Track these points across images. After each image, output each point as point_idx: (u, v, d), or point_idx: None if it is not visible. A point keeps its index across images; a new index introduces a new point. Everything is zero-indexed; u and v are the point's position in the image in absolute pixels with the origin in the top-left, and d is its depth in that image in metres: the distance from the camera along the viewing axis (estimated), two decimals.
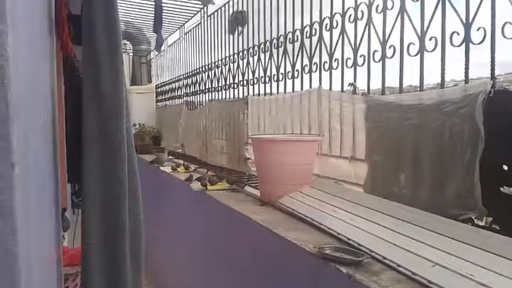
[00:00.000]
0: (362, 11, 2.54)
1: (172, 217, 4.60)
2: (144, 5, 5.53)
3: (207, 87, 5.40)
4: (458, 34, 1.92)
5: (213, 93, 5.19)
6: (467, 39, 1.89)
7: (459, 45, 1.91)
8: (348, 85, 2.69)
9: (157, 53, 6.62)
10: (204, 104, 5.48)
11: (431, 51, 2.05)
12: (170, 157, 5.80)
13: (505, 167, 1.72)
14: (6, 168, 0.67)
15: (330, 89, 2.89)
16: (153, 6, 5.36)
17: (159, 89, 7.98)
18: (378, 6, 2.41)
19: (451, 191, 1.91)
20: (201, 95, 5.66)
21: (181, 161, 5.19)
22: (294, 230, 2.15)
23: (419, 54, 2.13)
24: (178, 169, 4.63)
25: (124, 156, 1.53)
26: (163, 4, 4.21)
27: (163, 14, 4.39)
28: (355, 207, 2.14)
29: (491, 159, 1.75)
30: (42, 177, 1.12)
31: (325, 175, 2.87)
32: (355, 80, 2.64)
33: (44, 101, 1.28)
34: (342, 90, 2.76)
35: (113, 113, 1.49)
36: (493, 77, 1.77)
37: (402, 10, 2.24)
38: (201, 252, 3.67)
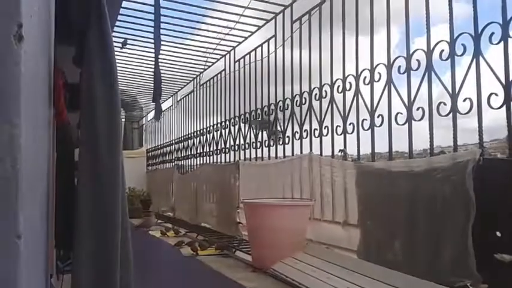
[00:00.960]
0: (350, 83, 2.66)
1: (163, 282, 4.46)
2: (138, 74, 5.72)
3: (198, 151, 5.46)
4: (445, 104, 2.02)
5: (205, 157, 5.25)
6: (454, 110, 1.98)
7: (446, 115, 2.00)
8: (339, 151, 2.76)
9: (155, 121, 6.74)
10: (195, 168, 5.51)
11: (419, 120, 2.14)
12: (159, 221, 5.73)
13: (498, 234, 1.74)
14: (12, 242, 0.69)
15: (321, 154, 2.96)
16: (149, 76, 5.55)
17: (150, 153, 8.03)
18: (365, 78, 2.53)
19: (445, 258, 1.92)
20: (192, 159, 5.71)
21: (170, 225, 5.12)
22: None
23: (407, 123, 2.21)
24: (168, 233, 4.57)
25: (118, 224, 1.52)
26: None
27: None
28: (350, 274, 2.13)
29: (484, 226, 1.77)
30: (36, 244, 1.11)
31: (318, 240, 2.86)
32: (345, 147, 2.71)
33: (42, 171, 1.29)
34: (333, 156, 2.83)
35: (108, 179, 1.50)
36: (481, 145, 1.84)
37: (389, 82, 2.36)
38: None
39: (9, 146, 0.73)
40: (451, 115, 2.03)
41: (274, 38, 3.74)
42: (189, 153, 5.81)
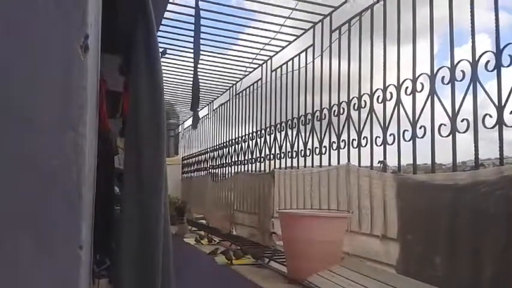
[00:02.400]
0: (391, 93, 2.61)
1: None
2: (176, 83, 5.82)
3: (233, 160, 5.48)
4: (490, 116, 1.95)
5: (239, 166, 5.26)
6: (500, 121, 1.91)
7: (492, 127, 1.94)
8: (378, 162, 2.71)
9: (193, 129, 6.84)
10: (229, 176, 5.54)
11: (464, 132, 2.08)
12: (193, 228, 5.78)
13: None
14: (75, 252, 0.71)
15: (359, 165, 2.91)
16: (186, 85, 5.64)
17: (185, 161, 8.14)
18: (407, 88, 2.48)
19: (487, 274, 1.85)
20: (227, 167, 5.74)
21: (204, 233, 5.15)
22: None
23: (451, 135, 2.15)
24: (202, 241, 4.59)
25: (161, 229, 1.54)
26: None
27: None
28: None
29: None
30: (87, 251, 1.14)
31: (355, 253, 2.81)
32: (385, 158, 2.66)
33: (91, 179, 1.33)
34: (372, 167, 2.78)
35: (153, 188, 1.52)
36: None
37: (432, 92, 2.30)
38: None
39: (75, 155, 0.75)
40: (495, 127, 1.96)
41: (312, 48, 3.73)
42: (224, 161, 5.84)
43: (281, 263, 3.08)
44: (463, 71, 2.17)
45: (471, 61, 2.12)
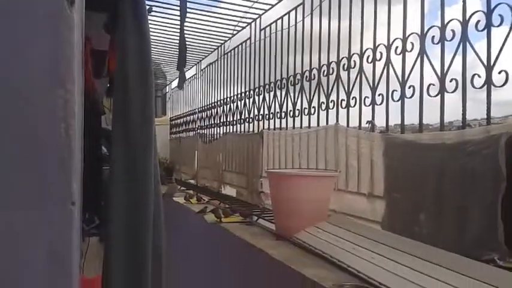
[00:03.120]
0: (381, 52, 2.60)
1: (186, 248, 4.57)
2: (163, 42, 5.70)
3: (221, 120, 5.47)
4: (479, 76, 1.96)
5: (228, 127, 5.26)
6: (488, 82, 1.93)
7: (481, 87, 1.95)
8: (366, 123, 2.73)
9: (179, 89, 6.76)
10: (218, 137, 5.54)
11: (452, 92, 2.09)
12: (182, 188, 5.83)
13: None
14: (68, 209, 0.71)
15: (347, 126, 2.93)
16: (173, 44, 5.53)
17: (173, 122, 8.09)
18: (397, 47, 2.47)
19: (473, 231, 1.91)
20: (215, 128, 5.73)
21: (193, 192, 5.20)
22: (312, 267, 2.14)
23: (439, 95, 2.17)
24: (191, 200, 4.64)
25: (151, 192, 1.55)
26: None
27: None
28: (375, 245, 2.13)
29: None
30: (78, 209, 1.14)
31: (342, 211, 2.87)
32: (373, 118, 2.68)
33: (79, 138, 1.32)
34: (360, 128, 2.80)
35: (142, 148, 1.52)
36: None
37: (422, 52, 2.29)
38: (214, 284, 3.63)
39: (63, 112, 0.75)
40: (483, 87, 1.98)
41: (302, 6, 3.66)
42: (213, 122, 5.83)
43: (269, 220, 3.14)
44: (453, 31, 2.16)
45: (461, 20, 2.11)
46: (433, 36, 2.25)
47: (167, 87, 8.99)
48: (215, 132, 5.76)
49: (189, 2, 4.27)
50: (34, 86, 0.75)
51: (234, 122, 5.05)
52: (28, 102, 0.75)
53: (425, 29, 2.32)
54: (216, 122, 5.70)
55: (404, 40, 2.44)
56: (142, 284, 1.57)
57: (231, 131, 5.13)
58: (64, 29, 0.75)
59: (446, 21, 2.20)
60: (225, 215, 3.51)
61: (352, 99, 2.88)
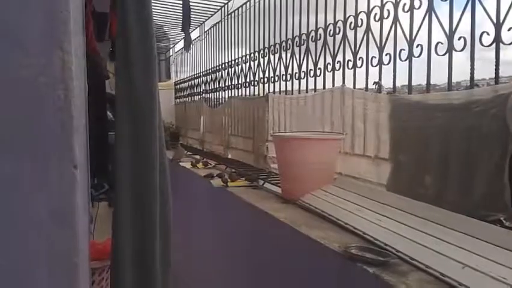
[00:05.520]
0: (388, 10, 2.52)
1: (193, 213, 4.63)
2: (166, 3, 5.58)
3: (226, 84, 5.42)
4: (488, 34, 1.90)
5: (233, 90, 5.21)
6: (497, 39, 1.87)
7: (489, 45, 1.89)
8: (373, 84, 2.68)
9: (185, 51, 6.66)
10: (223, 101, 5.51)
11: (460, 50, 2.04)
12: (188, 153, 5.85)
13: None
14: (70, 172, 0.71)
15: (354, 87, 2.88)
16: (176, 5, 5.41)
17: (178, 86, 8.03)
18: (404, 5, 2.39)
19: (479, 192, 1.90)
20: (220, 92, 5.69)
21: (199, 157, 5.22)
22: (318, 229, 2.15)
23: (447, 54, 2.11)
24: (197, 165, 4.66)
25: (156, 155, 1.55)
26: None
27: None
28: (381, 207, 2.14)
29: None
30: (82, 172, 1.14)
31: (348, 173, 2.87)
32: (380, 79, 2.63)
33: (82, 102, 1.31)
34: (367, 89, 2.75)
35: (146, 111, 1.51)
36: None
37: (430, 9, 2.22)
38: (221, 249, 3.69)
39: (61, 73, 0.73)
40: (492, 45, 1.92)
41: None
42: (217, 86, 5.78)
43: (275, 184, 3.15)
44: None
45: None
46: None
47: (171, 50, 8.88)
48: (220, 96, 5.72)
49: None
50: (30, 47, 0.74)
51: (239, 85, 5.00)
52: (25, 63, 0.74)
53: None
54: (221, 85, 5.65)
55: None
56: (149, 247, 1.60)
57: (236, 94, 5.09)
58: None
59: None
60: (231, 179, 3.52)
61: (359, 59, 2.82)
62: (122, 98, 1.52)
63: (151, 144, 1.52)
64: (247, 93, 4.80)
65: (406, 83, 2.47)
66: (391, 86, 2.59)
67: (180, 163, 5.02)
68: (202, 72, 6.49)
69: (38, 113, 0.76)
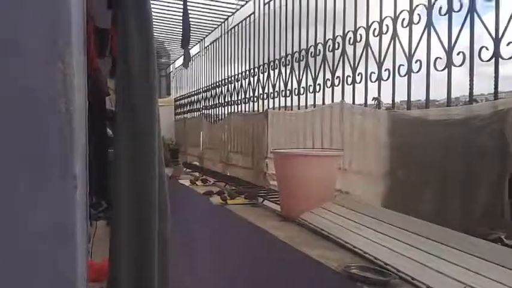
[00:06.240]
0: (387, 25, 2.52)
1: (192, 230, 4.58)
2: (166, 19, 5.62)
3: (226, 100, 5.42)
4: (487, 49, 1.89)
5: (233, 106, 5.21)
6: (496, 54, 1.86)
7: (488, 60, 1.88)
8: (372, 99, 2.67)
9: (184, 68, 6.68)
10: (223, 117, 5.50)
11: (459, 66, 2.02)
12: (188, 170, 5.82)
13: None
14: (70, 183, 0.70)
15: (353, 103, 2.87)
16: (176, 21, 5.44)
17: (177, 102, 8.05)
18: (403, 20, 2.39)
19: (479, 209, 1.86)
20: (220, 108, 5.69)
21: (199, 174, 5.19)
22: (318, 248, 2.11)
23: (446, 69, 2.10)
24: (197, 182, 4.63)
25: (155, 174, 1.52)
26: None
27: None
28: (380, 225, 2.10)
29: None
30: (82, 187, 1.12)
31: (347, 190, 2.83)
32: (379, 94, 2.61)
33: (82, 117, 1.29)
34: (366, 105, 2.74)
35: (145, 129, 1.49)
36: None
37: (429, 24, 2.22)
38: (219, 266, 3.64)
39: (63, 85, 0.72)
40: (491, 60, 1.91)
41: None
42: (217, 101, 5.78)
43: (275, 202, 3.11)
44: (460, 1, 2.08)
45: None
46: (440, 7, 2.17)
47: (171, 66, 8.91)
48: (220, 112, 5.71)
49: None
50: (33, 60, 0.73)
51: (239, 101, 4.99)
52: (28, 76, 0.73)
53: (433, 0, 2.24)
54: (220, 101, 5.64)
55: (411, 12, 2.36)
56: (147, 267, 1.56)
57: (236, 110, 5.08)
58: (62, 4, 0.73)
59: None
60: (230, 197, 3.49)
61: (358, 75, 2.81)
62: (121, 115, 1.50)
63: (151, 161, 1.50)
64: (247, 109, 4.79)
65: (405, 98, 2.45)
66: (391, 102, 2.58)
67: (180, 180, 4.99)
68: (202, 88, 6.51)
69: (39, 127, 0.75)
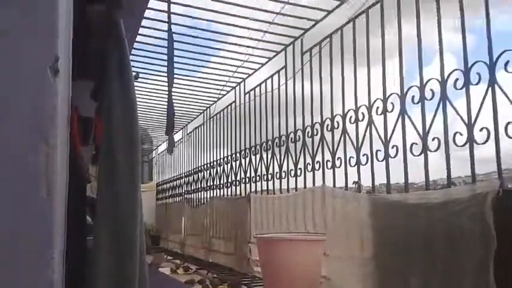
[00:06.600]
0: (362, 113, 2.63)
1: None
2: (149, 107, 5.76)
3: (209, 184, 5.41)
4: (461, 134, 1.97)
5: (215, 190, 5.20)
6: (470, 140, 1.93)
7: (463, 145, 1.95)
8: (353, 183, 2.71)
9: (168, 154, 6.74)
10: (205, 201, 5.46)
11: (435, 151, 2.09)
12: (169, 257, 5.65)
13: None
14: (48, 273, 0.68)
15: (334, 186, 2.90)
16: (159, 109, 5.59)
17: (159, 187, 8.01)
18: (378, 108, 2.50)
19: None
20: (202, 192, 5.66)
21: (180, 262, 5.03)
22: None
23: (422, 154, 2.17)
24: (178, 271, 4.47)
25: (136, 261, 1.48)
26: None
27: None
28: None
29: (507, 258, 1.70)
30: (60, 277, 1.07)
31: (332, 277, 2.76)
32: (359, 178, 2.66)
33: (61, 200, 1.27)
34: (346, 188, 2.77)
35: (128, 215, 1.46)
36: (500, 175, 1.79)
37: (402, 112, 2.32)
38: None
39: (45, 167, 0.72)
40: (465, 145, 1.99)
41: (284, 69, 3.75)
42: (199, 186, 5.77)
43: None
44: (432, 90, 2.20)
45: (440, 80, 2.15)
46: (413, 96, 2.28)
47: (153, 152, 8.99)
48: (202, 197, 5.68)
49: (176, 68, 4.36)
50: (17, 141, 0.74)
51: (221, 185, 5.00)
52: (10, 155, 0.73)
53: (405, 89, 2.35)
54: (202, 186, 5.64)
55: (384, 101, 2.47)
56: None
57: (218, 194, 5.06)
58: (47, 96, 0.76)
59: (424, 81, 2.24)
60: (213, 286, 3.37)
61: (338, 159, 2.87)
62: (104, 202, 1.49)
63: (132, 249, 1.45)
64: (229, 193, 4.79)
65: (385, 181, 2.50)
66: (371, 185, 2.62)
67: (160, 268, 4.82)
68: (185, 173, 6.52)
69: (18, 207, 0.74)
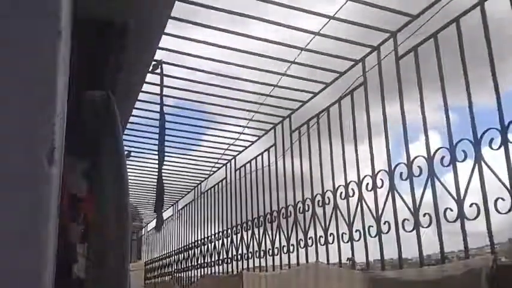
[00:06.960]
0: (352, 189, 2.67)
1: None
2: (139, 185, 5.75)
3: (199, 262, 5.29)
4: (451, 210, 2.00)
5: (206, 268, 5.07)
6: (461, 216, 1.96)
7: (454, 221, 1.98)
8: (347, 260, 2.68)
9: (157, 232, 6.64)
10: (195, 280, 5.29)
11: (427, 227, 2.11)
12: None
13: None
14: None
15: (327, 262, 2.86)
16: (149, 186, 5.58)
17: (148, 266, 7.77)
18: (367, 184, 2.55)
19: None
20: (193, 270, 5.51)
21: None
22: None
23: (414, 230, 2.18)
24: None
25: None
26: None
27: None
28: None
29: None
30: None
31: None
32: (353, 254, 2.64)
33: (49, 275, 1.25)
34: (340, 264, 2.74)
35: None
36: (493, 251, 1.80)
37: (392, 189, 2.36)
38: None
39: (37, 254, 0.73)
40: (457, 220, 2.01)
41: (274, 147, 3.84)
42: (190, 264, 5.62)
43: None
44: (419, 167, 2.26)
45: (426, 157, 2.21)
46: (401, 173, 2.34)
47: (143, 229, 8.84)
48: (193, 275, 5.52)
49: (168, 146, 4.42)
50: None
51: (212, 263, 4.88)
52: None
53: (392, 166, 2.41)
54: (193, 263, 5.50)
55: (373, 177, 2.53)
56: None
57: (209, 272, 4.93)
58: (41, 185, 0.77)
59: (409, 158, 2.30)
60: None
61: (330, 235, 2.87)
62: (93, 280, 1.47)
63: None
64: (221, 270, 4.67)
65: (379, 257, 2.48)
66: (365, 261, 2.60)
67: None
68: (174, 250, 6.38)
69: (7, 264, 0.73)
